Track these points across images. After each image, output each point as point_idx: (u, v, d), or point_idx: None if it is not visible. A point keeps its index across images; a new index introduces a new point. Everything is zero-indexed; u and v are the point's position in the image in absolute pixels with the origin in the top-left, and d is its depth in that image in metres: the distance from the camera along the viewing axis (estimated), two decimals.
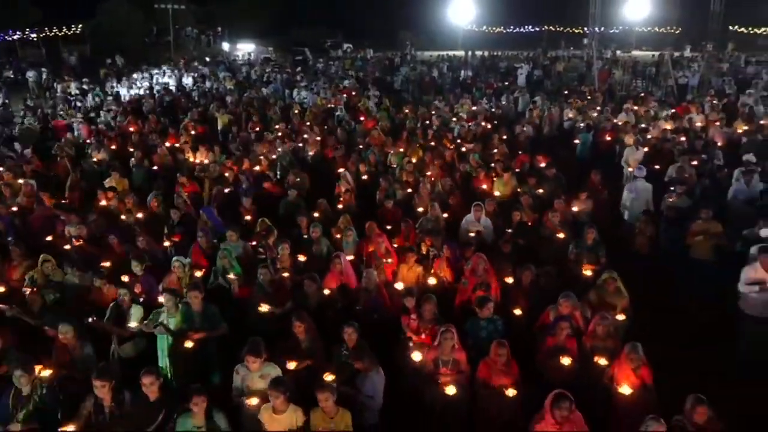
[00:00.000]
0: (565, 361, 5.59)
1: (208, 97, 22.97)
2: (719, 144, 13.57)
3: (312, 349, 5.71)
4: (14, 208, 9.85)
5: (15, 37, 40.66)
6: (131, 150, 14.02)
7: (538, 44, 46.05)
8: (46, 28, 42.64)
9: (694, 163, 11.79)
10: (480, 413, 5.52)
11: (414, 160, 12.47)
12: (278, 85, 26.31)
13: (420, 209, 9.69)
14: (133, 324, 6.20)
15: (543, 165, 12.03)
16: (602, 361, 5.66)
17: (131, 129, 16.32)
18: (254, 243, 8.36)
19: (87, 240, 8.37)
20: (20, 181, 11.25)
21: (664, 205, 9.89)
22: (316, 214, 9.29)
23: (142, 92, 24.14)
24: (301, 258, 7.75)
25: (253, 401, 5.01)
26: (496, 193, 10.27)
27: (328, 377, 5.08)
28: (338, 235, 8.71)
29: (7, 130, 16.77)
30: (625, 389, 5.22)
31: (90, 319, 6.21)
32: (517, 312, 6.61)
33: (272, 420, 4.84)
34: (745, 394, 6.31)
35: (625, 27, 47.93)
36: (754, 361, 6.92)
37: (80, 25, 46.09)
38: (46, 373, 5.22)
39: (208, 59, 41.45)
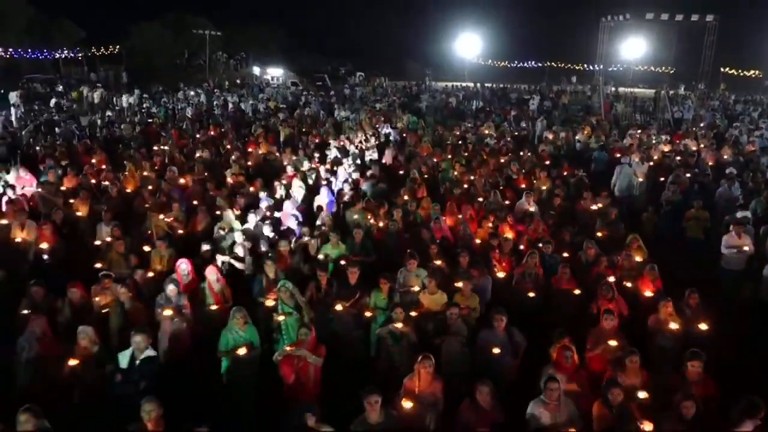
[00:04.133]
0: (611, 278, 8.54)
1: (260, 113, 26.24)
2: (709, 163, 16.77)
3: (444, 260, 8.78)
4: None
5: (63, 54, 43.80)
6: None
7: (540, 78, 49.54)
8: (93, 48, 45.71)
9: (688, 175, 14.99)
10: (551, 311, 8.43)
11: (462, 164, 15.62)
12: (317, 106, 29.62)
13: (480, 199, 12.68)
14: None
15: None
16: (628, 284, 8.64)
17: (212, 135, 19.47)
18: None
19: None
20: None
21: (662, 199, 13.06)
22: (405, 197, 12.26)
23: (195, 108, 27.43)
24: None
25: (415, 289, 7.98)
26: (539, 187, 13.35)
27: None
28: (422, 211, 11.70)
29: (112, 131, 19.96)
30: (648, 293, 8.21)
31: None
32: (565, 254, 9.61)
33: (427, 299, 7.78)
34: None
35: (623, 65, 51.41)
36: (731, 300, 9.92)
37: (117, 46, 49.49)
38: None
39: (238, 81, 44.90)
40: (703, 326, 7.43)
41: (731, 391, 5.93)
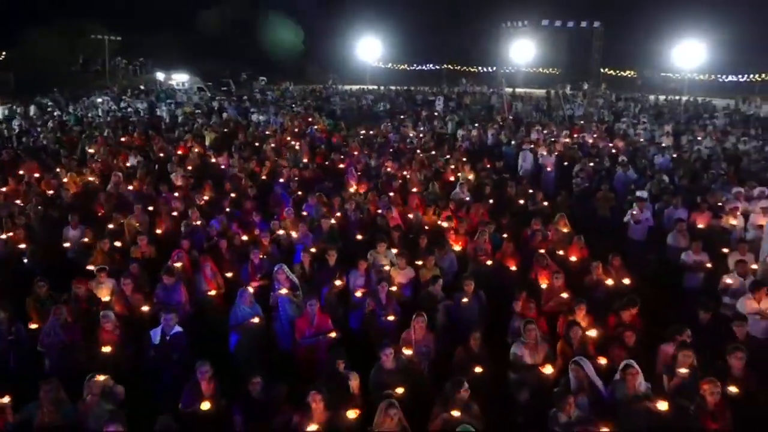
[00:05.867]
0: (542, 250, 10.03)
1: (178, 118, 26.31)
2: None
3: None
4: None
5: None
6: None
7: (439, 81, 51.88)
8: None
9: (591, 164, 17.07)
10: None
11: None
12: (233, 111, 29.89)
13: (414, 189, 13.91)
14: None
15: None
16: (560, 252, 10.18)
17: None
18: None
19: None
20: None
21: (574, 186, 14.96)
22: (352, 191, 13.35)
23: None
24: None
25: (386, 268, 9.05)
26: (468, 178, 14.81)
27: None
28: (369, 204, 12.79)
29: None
30: (574, 259, 9.77)
31: None
32: (505, 235, 11.03)
33: (396, 273, 8.89)
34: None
35: (515, 68, 54.73)
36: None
37: (3, 53, 46.72)
38: None
39: (142, 87, 43.80)
40: (626, 281, 9.05)
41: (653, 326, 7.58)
